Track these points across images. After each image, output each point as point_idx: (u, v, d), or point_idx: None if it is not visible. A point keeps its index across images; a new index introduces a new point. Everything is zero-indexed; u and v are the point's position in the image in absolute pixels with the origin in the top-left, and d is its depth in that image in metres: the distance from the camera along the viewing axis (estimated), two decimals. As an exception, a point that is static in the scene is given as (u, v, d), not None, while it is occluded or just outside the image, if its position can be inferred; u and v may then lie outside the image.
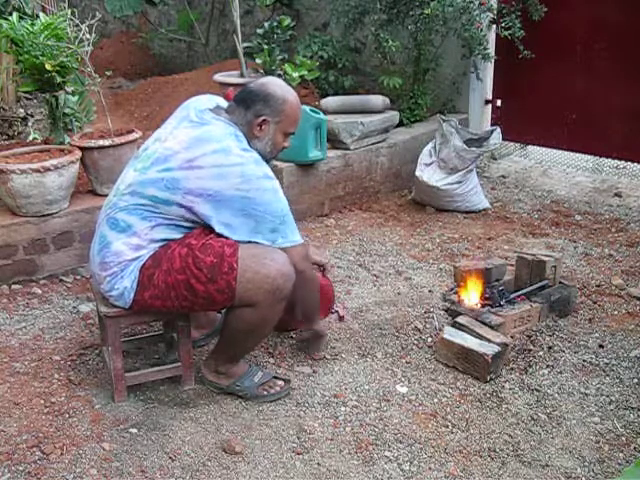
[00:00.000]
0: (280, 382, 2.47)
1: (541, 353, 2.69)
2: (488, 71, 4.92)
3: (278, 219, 2.25)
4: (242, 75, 4.46)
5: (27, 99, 4.65)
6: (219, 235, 2.25)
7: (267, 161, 2.35)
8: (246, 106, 2.30)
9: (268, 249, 2.28)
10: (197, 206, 2.20)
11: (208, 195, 2.18)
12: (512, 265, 3.10)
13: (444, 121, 4.18)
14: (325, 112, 4.15)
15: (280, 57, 4.52)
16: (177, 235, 2.27)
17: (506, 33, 4.44)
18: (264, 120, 2.30)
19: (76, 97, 3.65)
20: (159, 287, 2.24)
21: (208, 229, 2.26)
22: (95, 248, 2.34)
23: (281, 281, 2.24)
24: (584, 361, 2.65)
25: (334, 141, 4.19)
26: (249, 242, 2.25)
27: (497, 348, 2.52)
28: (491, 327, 2.68)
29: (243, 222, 2.22)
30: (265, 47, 4.53)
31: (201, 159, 2.19)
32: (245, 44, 4.65)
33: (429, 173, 4.13)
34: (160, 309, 2.31)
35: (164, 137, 2.31)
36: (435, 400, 2.43)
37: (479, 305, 2.86)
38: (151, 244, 2.26)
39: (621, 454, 2.17)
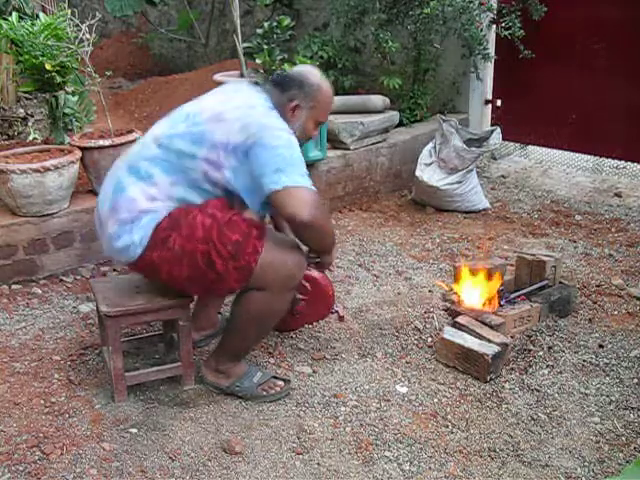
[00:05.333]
0: (280, 382, 2.47)
1: (541, 353, 2.69)
2: (488, 71, 4.92)
3: (285, 160, 2.18)
4: (242, 75, 4.45)
5: (27, 99, 4.65)
6: (240, 209, 2.25)
7: None
8: (281, 89, 2.35)
9: (290, 242, 2.35)
10: (221, 159, 2.19)
11: (233, 148, 2.18)
12: (512, 265, 3.10)
13: (444, 121, 4.18)
14: (325, 112, 4.15)
15: (280, 57, 4.51)
16: (196, 198, 2.24)
17: (506, 33, 4.44)
18: (297, 105, 2.34)
19: (76, 97, 3.65)
20: (173, 250, 2.20)
21: (228, 198, 2.25)
22: (107, 191, 2.30)
23: (296, 270, 2.29)
24: (584, 361, 2.65)
25: (334, 141, 4.19)
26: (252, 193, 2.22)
27: (497, 348, 2.52)
28: (491, 327, 2.68)
29: (251, 166, 2.19)
30: (265, 47, 4.53)
31: (227, 113, 2.22)
32: (245, 44, 4.65)
33: (429, 173, 4.13)
34: (163, 273, 2.26)
35: (197, 101, 2.36)
36: (435, 400, 2.43)
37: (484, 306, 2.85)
38: (167, 200, 2.23)
39: (621, 454, 2.17)
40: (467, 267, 2.97)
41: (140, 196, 2.22)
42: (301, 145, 2.38)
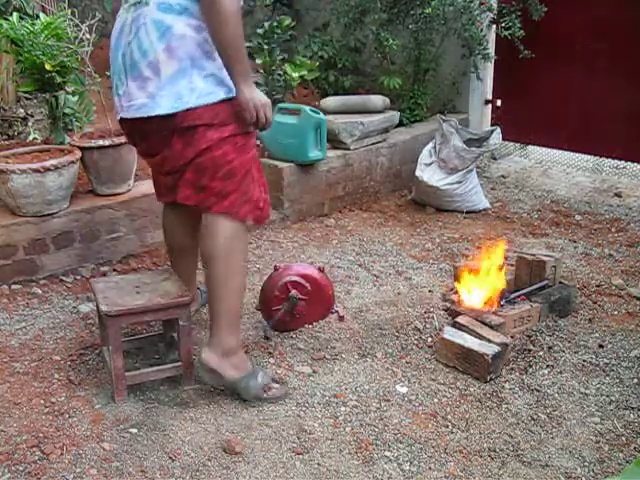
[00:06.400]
0: (275, 385, 2.46)
1: (541, 353, 2.69)
2: (488, 71, 4.92)
3: None
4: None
5: (27, 99, 4.65)
6: None
7: None
8: None
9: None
10: None
11: None
12: (512, 265, 3.10)
13: (444, 121, 4.18)
14: (325, 112, 4.16)
15: (280, 57, 4.51)
16: None
17: (506, 33, 4.44)
18: None
19: (76, 97, 3.65)
20: (217, 133, 2.24)
21: None
22: (153, 35, 2.18)
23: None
24: (584, 361, 2.65)
25: (334, 141, 4.19)
26: None
27: (497, 348, 2.52)
28: (491, 327, 2.68)
29: None
30: (265, 47, 4.53)
31: None
32: (245, 44, 4.64)
33: (429, 173, 4.13)
34: (193, 144, 2.24)
35: None
36: (435, 400, 2.43)
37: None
38: (196, 20, 2.21)
39: (621, 454, 2.17)
40: (467, 267, 2.97)
41: (188, 30, 2.18)
42: None
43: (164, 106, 2.20)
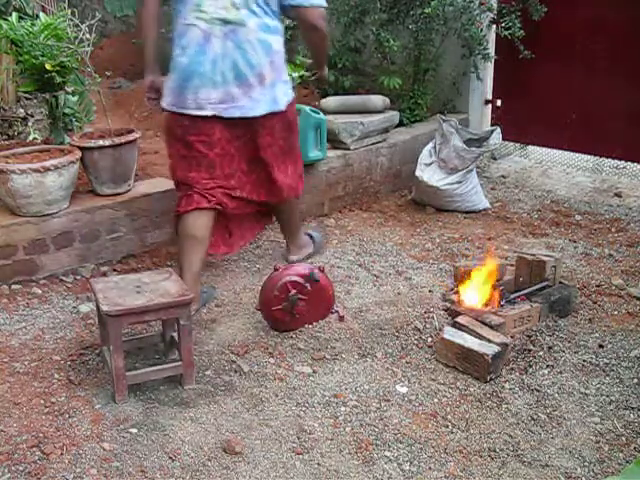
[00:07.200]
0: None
1: (541, 353, 2.69)
2: (488, 71, 4.92)
3: None
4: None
5: (27, 99, 4.65)
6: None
7: None
8: None
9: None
10: None
11: None
12: (512, 265, 3.10)
13: (444, 121, 4.18)
14: (325, 112, 4.15)
15: (280, 57, 4.51)
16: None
17: (506, 33, 4.44)
18: None
19: (76, 97, 3.65)
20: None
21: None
22: (260, 52, 2.80)
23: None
24: (584, 361, 2.65)
25: (334, 141, 4.19)
26: None
27: (497, 348, 2.52)
28: (491, 327, 2.68)
29: None
30: (265, 47, 4.53)
31: None
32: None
33: (429, 173, 4.13)
34: (292, 127, 3.09)
35: None
36: (435, 400, 2.43)
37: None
38: (282, 37, 2.95)
39: (621, 454, 2.17)
40: (467, 267, 2.96)
41: (278, 46, 2.89)
42: None
43: (263, 108, 2.86)
